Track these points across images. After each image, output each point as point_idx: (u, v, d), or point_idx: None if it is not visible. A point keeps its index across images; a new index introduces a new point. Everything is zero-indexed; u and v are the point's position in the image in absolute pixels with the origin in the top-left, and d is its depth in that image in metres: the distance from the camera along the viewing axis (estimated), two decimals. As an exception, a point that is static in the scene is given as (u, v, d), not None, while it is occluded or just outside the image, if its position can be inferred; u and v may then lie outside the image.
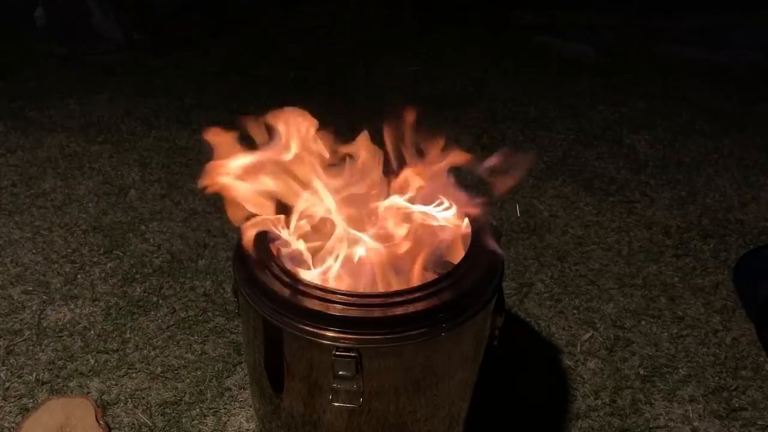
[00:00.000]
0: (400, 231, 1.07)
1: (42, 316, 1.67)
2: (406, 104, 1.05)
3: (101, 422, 1.37)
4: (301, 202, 1.05)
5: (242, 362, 1.55)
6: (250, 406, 1.44)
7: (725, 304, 1.75)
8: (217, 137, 1.00)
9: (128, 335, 1.62)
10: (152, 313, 1.69)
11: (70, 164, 2.32)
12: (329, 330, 0.92)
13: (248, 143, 1.01)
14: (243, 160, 0.99)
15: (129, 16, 3.30)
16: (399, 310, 0.93)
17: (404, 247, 1.06)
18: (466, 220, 1.10)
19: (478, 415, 1.26)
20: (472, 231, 1.07)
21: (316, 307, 0.93)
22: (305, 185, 1.05)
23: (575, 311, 1.72)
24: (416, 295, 0.95)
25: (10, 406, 1.44)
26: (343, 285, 1.04)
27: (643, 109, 2.77)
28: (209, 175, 0.98)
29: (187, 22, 3.43)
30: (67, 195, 2.15)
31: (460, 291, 0.96)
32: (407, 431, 1.08)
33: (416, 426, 1.08)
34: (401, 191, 1.11)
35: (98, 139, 2.49)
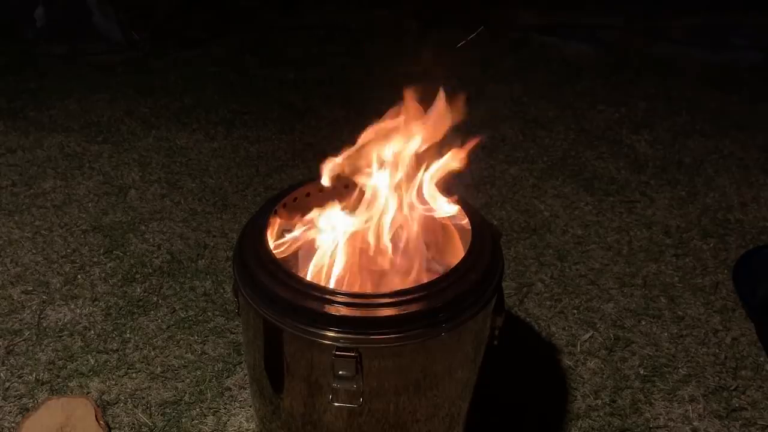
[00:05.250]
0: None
1: (42, 316, 1.67)
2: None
3: (101, 422, 1.37)
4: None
5: (242, 362, 1.55)
6: (250, 406, 1.44)
7: (725, 304, 1.75)
8: None
9: (128, 335, 1.62)
10: (152, 313, 1.69)
11: (70, 164, 2.32)
12: (329, 330, 0.92)
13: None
14: None
15: (129, 16, 3.30)
16: (399, 310, 0.93)
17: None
18: (466, 219, 1.10)
19: (478, 415, 1.26)
20: (472, 231, 1.07)
21: (316, 307, 0.93)
22: None
23: (575, 311, 1.72)
24: (416, 295, 0.95)
25: (10, 406, 1.44)
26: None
27: (643, 109, 2.77)
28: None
29: (187, 22, 3.43)
30: (67, 195, 2.15)
31: (460, 291, 0.96)
32: (407, 431, 1.08)
33: (416, 426, 1.08)
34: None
35: (98, 139, 2.49)
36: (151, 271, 1.83)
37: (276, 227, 1.12)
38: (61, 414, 1.38)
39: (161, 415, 1.43)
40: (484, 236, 1.06)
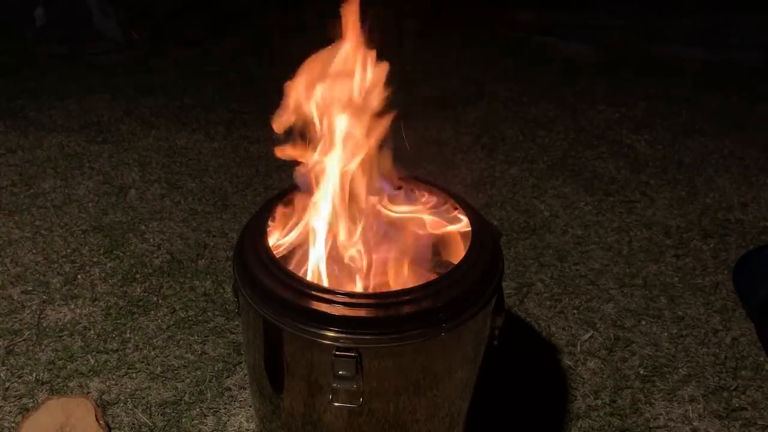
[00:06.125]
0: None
1: (42, 316, 1.67)
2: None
3: (101, 422, 1.37)
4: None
5: (242, 362, 1.55)
6: (250, 406, 1.44)
7: (725, 304, 1.75)
8: None
9: (128, 335, 1.62)
10: (152, 313, 1.69)
11: (70, 164, 2.32)
12: (329, 330, 0.92)
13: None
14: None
15: (129, 16, 3.30)
16: (399, 310, 0.93)
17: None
18: (466, 220, 1.10)
19: (478, 415, 1.26)
20: (472, 230, 1.07)
21: (316, 307, 0.93)
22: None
23: (575, 311, 1.72)
24: (416, 295, 0.95)
25: (10, 406, 1.44)
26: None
27: (643, 109, 2.77)
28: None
29: (187, 22, 3.43)
30: (67, 195, 2.15)
31: (460, 291, 0.96)
32: (407, 431, 1.08)
33: (416, 426, 1.08)
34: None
35: (98, 139, 2.49)
36: (151, 271, 1.83)
37: (276, 227, 1.12)
38: (61, 414, 1.38)
39: (161, 415, 1.43)
40: (484, 236, 1.06)
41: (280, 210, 1.13)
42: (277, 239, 1.10)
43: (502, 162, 2.38)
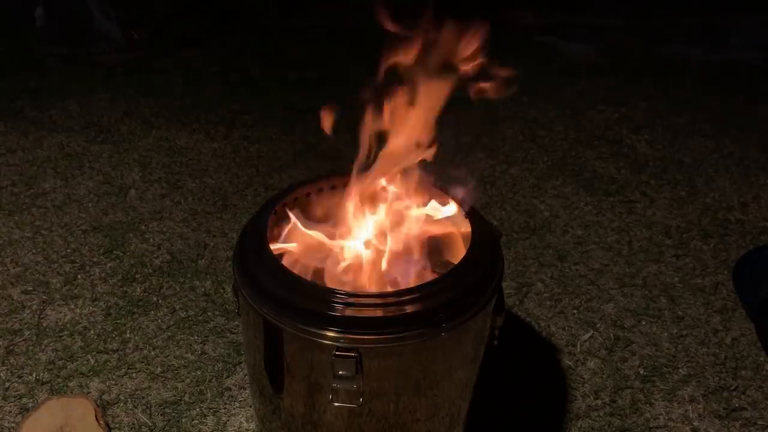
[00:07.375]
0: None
1: (42, 316, 1.67)
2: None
3: (101, 422, 1.37)
4: None
5: (242, 362, 1.55)
6: (250, 406, 1.44)
7: (725, 304, 1.75)
8: None
9: (128, 335, 1.62)
10: (152, 313, 1.69)
11: (70, 164, 2.32)
12: (329, 330, 0.92)
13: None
14: None
15: (129, 16, 3.30)
16: (399, 310, 0.93)
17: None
18: (467, 220, 1.10)
19: (478, 415, 1.26)
20: (472, 230, 1.07)
21: (316, 307, 0.93)
22: None
23: (575, 311, 1.72)
24: (416, 295, 0.95)
25: (10, 406, 1.44)
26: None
27: (643, 109, 2.77)
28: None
29: (187, 22, 3.43)
30: (67, 195, 2.15)
31: (460, 291, 0.96)
32: (407, 431, 1.08)
33: (416, 426, 1.08)
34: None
35: (98, 139, 2.49)
36: (151, 271, 1.83)
37: (276, 227, 1.12)
38: (61, 414, 1.38)
39: (161, 415, 1.43)
40: (484, 236, 1.06)
41: (280, 210, 1.13)
42: (278, 239, 1.10)
43: (502, 162, 2.38)
